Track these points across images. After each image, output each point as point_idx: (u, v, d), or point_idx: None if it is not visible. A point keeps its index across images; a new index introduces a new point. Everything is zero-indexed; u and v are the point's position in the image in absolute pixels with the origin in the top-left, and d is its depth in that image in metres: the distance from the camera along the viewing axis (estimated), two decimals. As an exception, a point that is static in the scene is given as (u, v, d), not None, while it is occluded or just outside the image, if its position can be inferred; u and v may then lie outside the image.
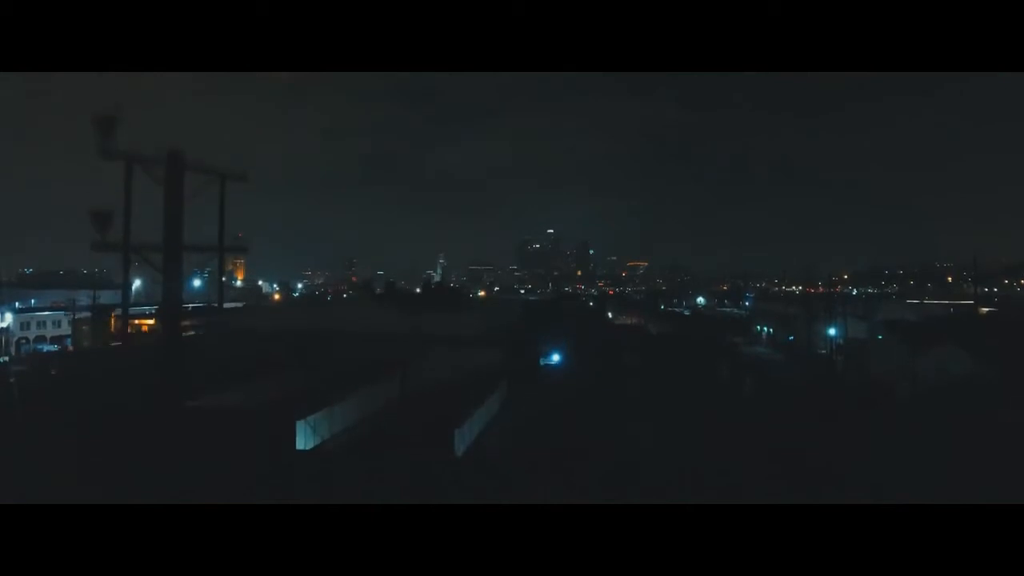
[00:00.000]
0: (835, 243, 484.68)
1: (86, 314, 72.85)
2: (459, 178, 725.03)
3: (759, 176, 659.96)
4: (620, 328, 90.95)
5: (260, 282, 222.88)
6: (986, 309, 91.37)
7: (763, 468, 22.47)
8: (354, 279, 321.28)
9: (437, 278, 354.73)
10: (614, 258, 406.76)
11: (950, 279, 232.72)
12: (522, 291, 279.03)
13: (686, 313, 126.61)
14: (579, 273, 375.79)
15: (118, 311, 65.91)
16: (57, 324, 77.50)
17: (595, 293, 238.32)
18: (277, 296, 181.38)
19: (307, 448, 25.86)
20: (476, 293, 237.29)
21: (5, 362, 55.72)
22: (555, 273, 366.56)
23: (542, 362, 52.23)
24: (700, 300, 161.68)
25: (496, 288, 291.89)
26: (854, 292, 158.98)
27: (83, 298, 78.56)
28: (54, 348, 71.36)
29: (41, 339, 74.84)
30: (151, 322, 74.25)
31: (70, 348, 69.53)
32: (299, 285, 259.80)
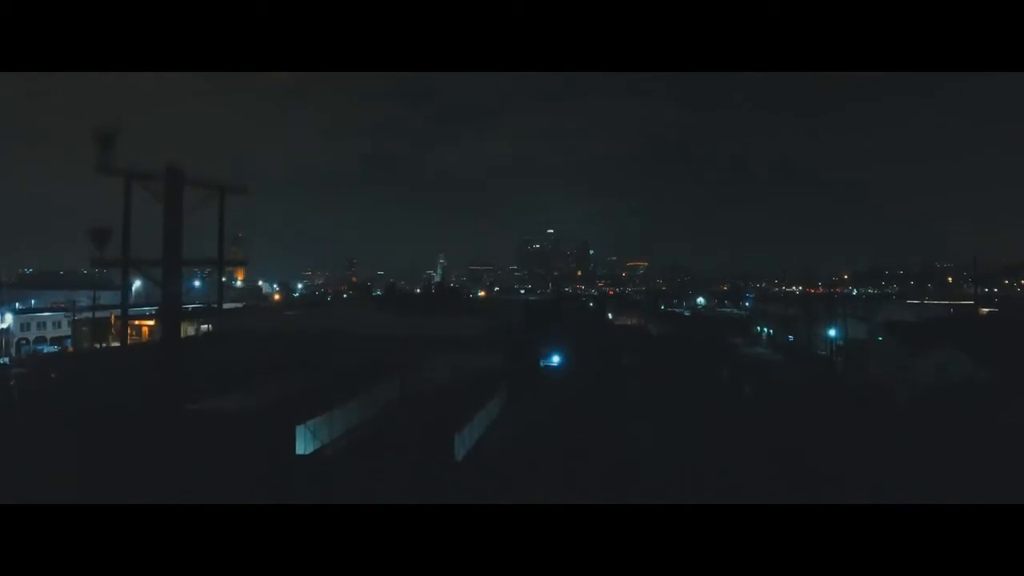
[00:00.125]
0: (835, 243, 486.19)
1: (86, 315, 72.89)
2: (459, 178, 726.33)
3: (759, 176, 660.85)
4: (620, 329, 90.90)
5: (260, 282, 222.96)
6: (986, 309, 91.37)
7: (763, 468, 22.49)
8: (354, 279, 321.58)
9: (437, 278, 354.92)
10: (614, 258, 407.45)
11: (950, 279, 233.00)
12: (522, 291, 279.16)
13: (686, 314, 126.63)
14: (579, 273, 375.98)
15: (118, 312, 65.96)
16: (57, 325, 77.54)
17: (595, 293, 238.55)
18: (277, 296, 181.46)
19: (307, 453, 25.82)
20: (476, 293, 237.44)
21: (5, 364, 55.72)
22: (555, 273, 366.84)
23: (542, 363, 52.25)
24: (700, 300, 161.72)
25: (496, 288, 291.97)
26: (854, 292, 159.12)
27: (83, 299, 78.63)
28: (54, 349, 71.36)
29: (41, 340, 74.84)
30: (151, 323, 74.27)
31: (70, 349, 69.51)
32: (299, 285, 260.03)
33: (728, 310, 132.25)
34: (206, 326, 70.17)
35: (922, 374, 37.13)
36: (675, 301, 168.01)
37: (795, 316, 74.55)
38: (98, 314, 68.54)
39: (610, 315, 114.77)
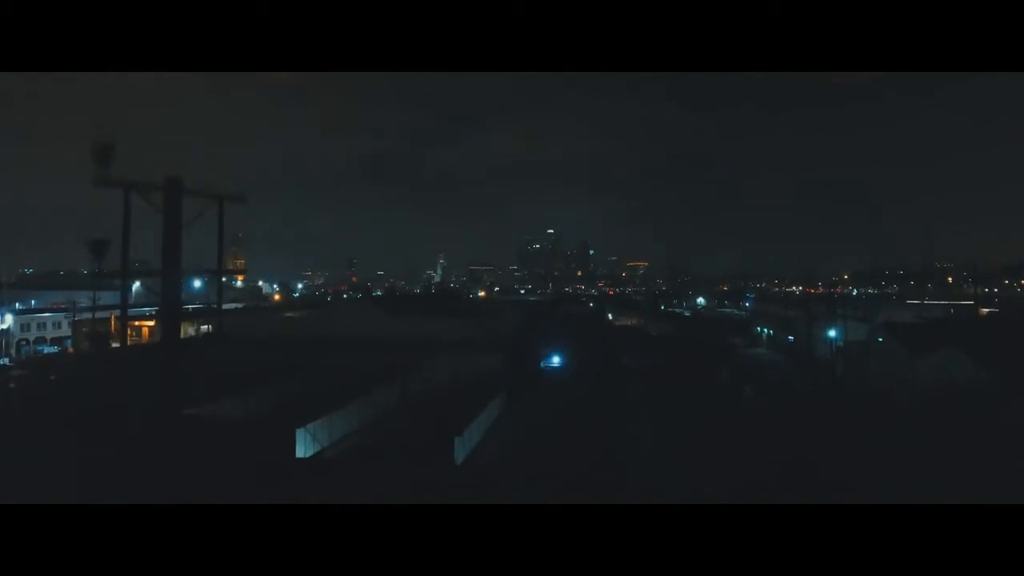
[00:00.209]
0: (835, 243, 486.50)
1: (86, 315, 72.91)
2: (459, 178, 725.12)
3: (759, 176, 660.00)
4: (620, 330, 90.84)
5: (260, 282, 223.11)
6: (986, 310, 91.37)
7: (762, 469, 22.47)
8: (354, 279, 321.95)
9: (437, 278, 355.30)
10: (614, 258, 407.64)
11: (950, 279, 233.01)
12: (522, 291, 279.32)
13: (686, 314, 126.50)
14: (579, 273, 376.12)
15: (118, 312, 65.93)
16: (57, 325, 77.55)
17: (595, 294, 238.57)
18: (277, 297, 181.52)
19: (307, 456, 25.79)
20: (476, 294, 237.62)
21: (5, 365, 55.71)
22: (555, 273, 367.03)
23: (543, 364, 52.30)
24: (700, 301, 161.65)
25: (496, 288, 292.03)
26: (854, 292, 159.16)
27: (83, 299, 78.61)
28: (54, 349, 71.38)
29: (41, 340, 74.86)
30: (151, 323, 74.33)
31: (70, 349, 69.53)
32: (299, 285, 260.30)
33: (728, 310, 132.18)
34: (206, 327, 70.22)
35: (922, 375, 37.10)
36: (675, 301, 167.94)
37: (795, 317, 74.49)
38: (98, 315, 68.55)
39: (610, 316, 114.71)
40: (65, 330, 75.73)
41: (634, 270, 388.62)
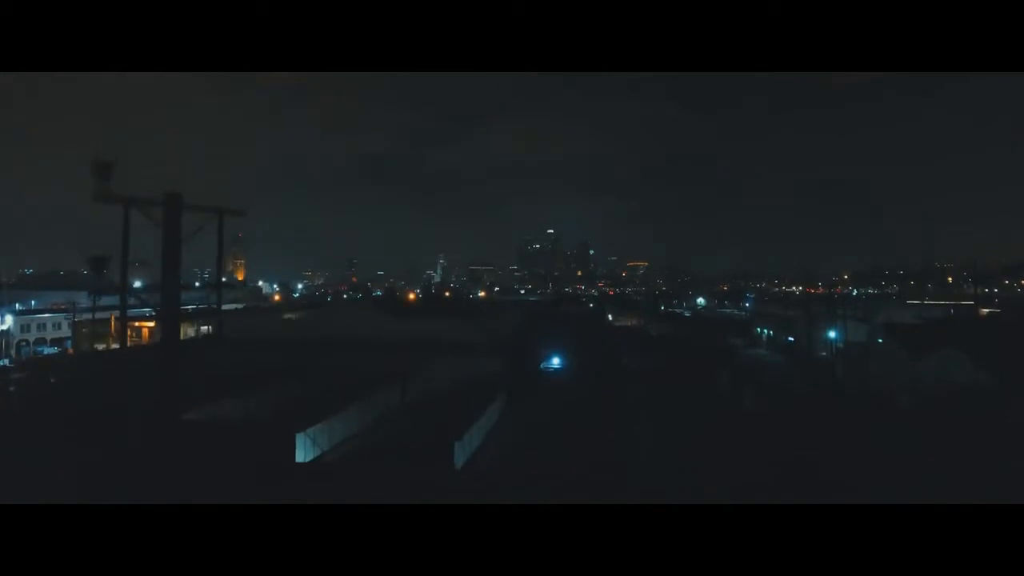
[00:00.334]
0: (835, 243, 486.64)
1: (86, 316, 72.93)
2: (459, 178, 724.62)
3: (759, 176, 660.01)
4: (620, 330, 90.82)
5: (260, 283, 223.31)
6: (986, 310, 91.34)
7: (762, 469, 22.47)
8: (354, 279, 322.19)
9: (437, 279, 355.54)
10: (614, 258, 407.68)
11: (950, 279, 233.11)
12: (522, 291, 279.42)
13: (686, 314, 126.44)
14: (579, 273, 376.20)
15: (118, 313, 65.93)
16: (57, 326, 77.53)
17: (595, 294, 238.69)
18: (277, 297, 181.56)
19: (306, 460, 25.73)
20: (476, 294, 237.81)
21: (5, 366, 55.70)
22: (555, 273, 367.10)
23: (543, 366, 52.32)
24: (700, 301, 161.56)
25: (496, 289, 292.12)
26: (854, 292, 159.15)
27: (83, 300, 78.59)
28: (54, 350, 71.39)
29: (41, 341, 74.84)
30: (151, 324, 74.36)
31: (70, 350, 69.54)
32: (299, 285, 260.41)
33: (728, 311, 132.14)
34: (206, 327, 70.25)
35: (923, 376, 37.08)
36: (675, 302, 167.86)
37: (795, 318, 74.46)
38: (98, 315, 68.55)
39: (610, 316, 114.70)
40: (65, 331, 75.71)
41: (634, 270, 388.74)
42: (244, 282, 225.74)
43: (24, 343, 72.67)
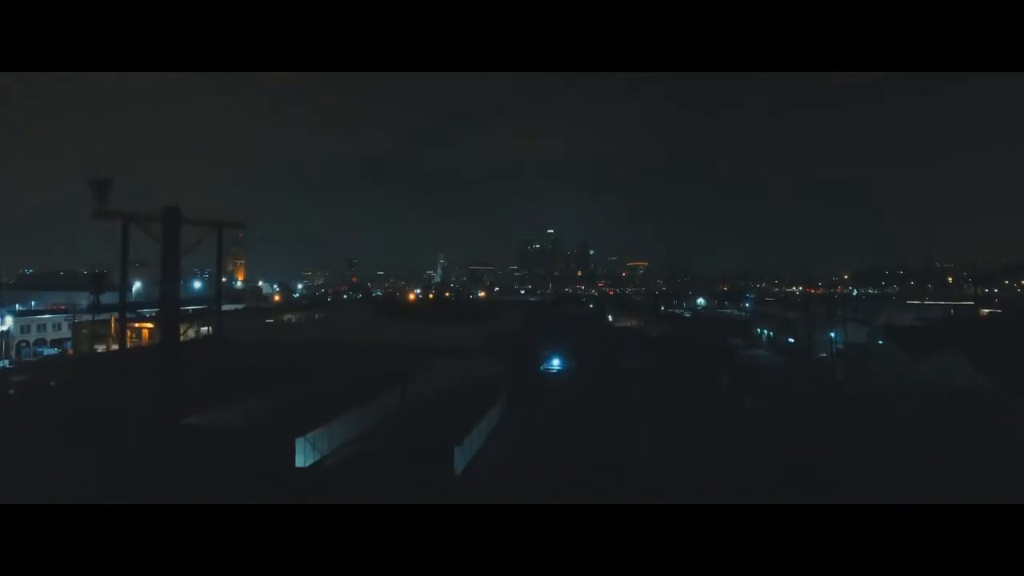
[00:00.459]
0: (835, 243, 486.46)
1: (86, 317, 72.95)
2: (459, 178, 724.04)
3: (759, 176, 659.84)
4: (620, 331, 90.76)
5: (260, 283, 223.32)
6: (986, 310, 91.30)
7: (762, 470, 22.48)
8: (354, 279, 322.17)
9: (437, 279, 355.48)
10: (614, 258, 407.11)
11: (950, 279, 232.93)
12: (522, 291, 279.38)
13: (686, 315, 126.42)
14: (579, 273, 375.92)
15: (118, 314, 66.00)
16: (57, 327, 77.56)
17: (595, 294, 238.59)
18: (277, 297, 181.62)
19: (306, 465, 25.66)
20: (476, 294, 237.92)
21: (5, 367, 55.67)
22: (555, 273, 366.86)
23: (543, 368, 52.32)
24: (700, 301, 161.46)
25: (496, 289, 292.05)
26: (854, 293, 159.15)
27: (83, 300, 78.62)
28: (54, 351, 71.42)
29: (41, 342, 74.87)
30: (151, 325, 74.43)
31: (70, 351, 69.56)
32: (299, 286, 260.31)
33: (728, 311, 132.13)
34: (206, 328, 70.23)
35: (923, 378, 37.07)
36: (675, 302, 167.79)
37: (795, 319, 74.48)
38: (98, 316, 68.59)
39: (610, 317, 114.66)
40: (65, 331, 75.73)
41: (634, 270, 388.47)
42: (244, 282, 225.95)
43: (24, 344, 72.70)
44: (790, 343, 71.43)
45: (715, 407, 36.75)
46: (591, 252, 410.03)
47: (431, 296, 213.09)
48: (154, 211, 28.56)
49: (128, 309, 32.11)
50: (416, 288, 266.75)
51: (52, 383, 40.39)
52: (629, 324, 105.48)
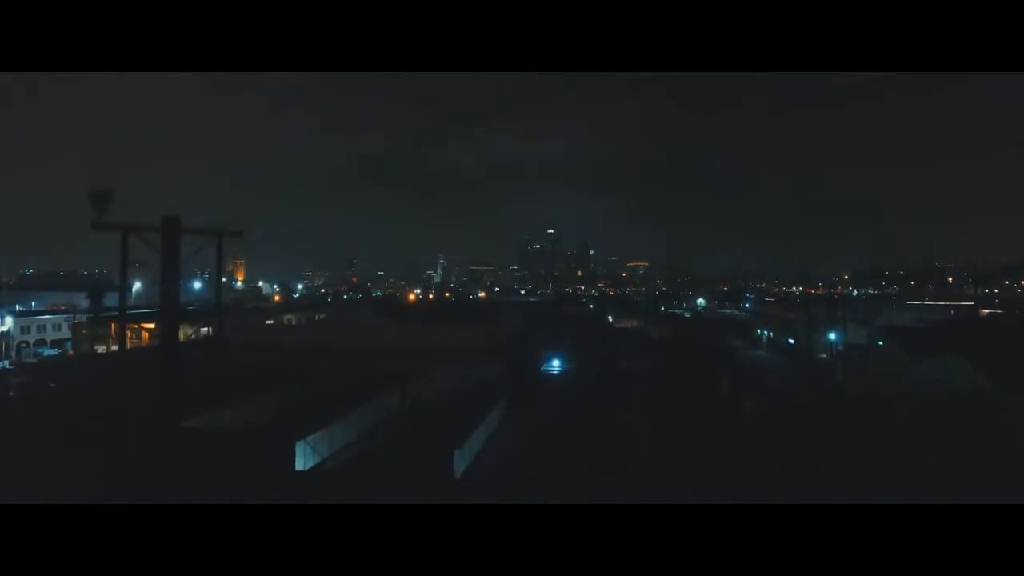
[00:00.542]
0: (835, 243, 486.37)
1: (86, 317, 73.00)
2: (459, 178, 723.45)
3: (759, 176, 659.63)
4: (620, 332, 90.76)
5: (260, 283, 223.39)
6: (987, 311, 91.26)
7: (762, 470, 22.48)
8: (354, 279, 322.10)
9: (437, 279, 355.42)
10: (614, 258, 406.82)
11: (950, 280, 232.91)
12: (522, 292, 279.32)
13: (686, 315, 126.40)
14: (579, 274, 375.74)
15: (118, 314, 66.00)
16: (57, 328, 77.56)
17: (595, 294, 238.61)
18: (277, 297, 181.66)
19: (306, 468, 25.62)
20: (476, 294, 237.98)
21: (5, 368, 55.68)
22: (555, 274, 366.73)
23: (543, 369, 52.33)
24: (700, 302, 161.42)
25: (496, 289, 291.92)
26: (854, 293, 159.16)
27: (83, 300, 78.61)
28: (54, 352, 71.41)
29: (41, 343, 74.88)
30: (151, 325, 74.42)
31: (70, 352, 69.56)
32: (299, 286, 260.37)
33: (728, 311, 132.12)
34: (206, 328, 70.21)
35: (923, 378, 37.05)
36: (675, 302, 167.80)
37: (795, 319, 74.44)
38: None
39: (610, 317, 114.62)
40: (65, 332, 75.73)
41: (634, 270, 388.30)
42: (244, 282, 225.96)
43: (24, 344, 72.70)
44: (790, 344, 71.42)
45: (715, 408, 36.75)
46: (591, 252, 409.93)
47: (431, 296, 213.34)
48: (153, 221, 28.55)
49: (127, 317, 32.14)
50: (416, 288, 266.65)
51: (52, 384, 40.43)
52: (629, 325, 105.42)
